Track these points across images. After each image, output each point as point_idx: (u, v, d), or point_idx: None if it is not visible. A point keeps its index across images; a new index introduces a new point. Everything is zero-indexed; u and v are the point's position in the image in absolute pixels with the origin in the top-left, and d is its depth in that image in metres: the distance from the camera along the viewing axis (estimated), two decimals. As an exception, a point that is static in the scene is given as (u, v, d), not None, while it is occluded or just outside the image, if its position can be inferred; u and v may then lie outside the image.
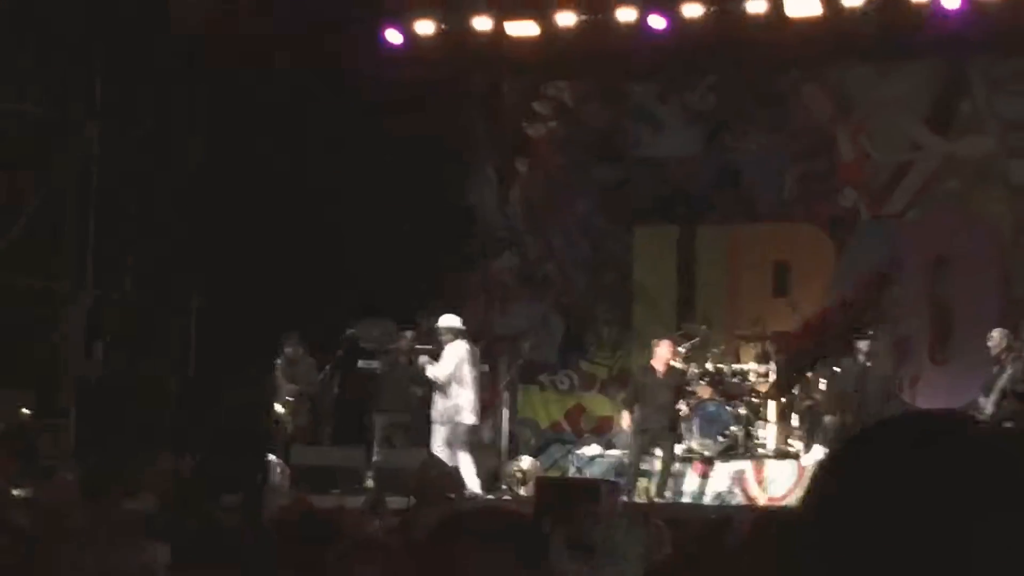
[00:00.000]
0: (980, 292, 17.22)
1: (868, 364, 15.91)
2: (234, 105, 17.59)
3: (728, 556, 4.58)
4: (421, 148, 18.06)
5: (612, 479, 15.43)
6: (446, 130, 18.58)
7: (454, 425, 15.88)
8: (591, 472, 16.52)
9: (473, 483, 15.47)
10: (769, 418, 16.35)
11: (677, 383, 15.80)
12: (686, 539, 7.21)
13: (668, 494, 15.66)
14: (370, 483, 15.45)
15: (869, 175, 18.17)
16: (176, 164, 17.96)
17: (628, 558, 4.17)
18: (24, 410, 16.07)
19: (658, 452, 15.80)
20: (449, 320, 16.13)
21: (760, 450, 16.21)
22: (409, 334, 16.70)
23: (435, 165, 18.54)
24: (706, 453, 16.12)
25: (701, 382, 16.51)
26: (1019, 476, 1.29)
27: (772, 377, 16.46)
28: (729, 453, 16.12)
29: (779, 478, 15.66)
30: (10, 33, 16.62)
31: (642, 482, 15.88)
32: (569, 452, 17.71)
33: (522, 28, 18.18)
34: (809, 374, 16.84)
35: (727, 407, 16.20)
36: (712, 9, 17.38)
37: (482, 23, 18.16)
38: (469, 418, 16.01)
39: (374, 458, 16.22)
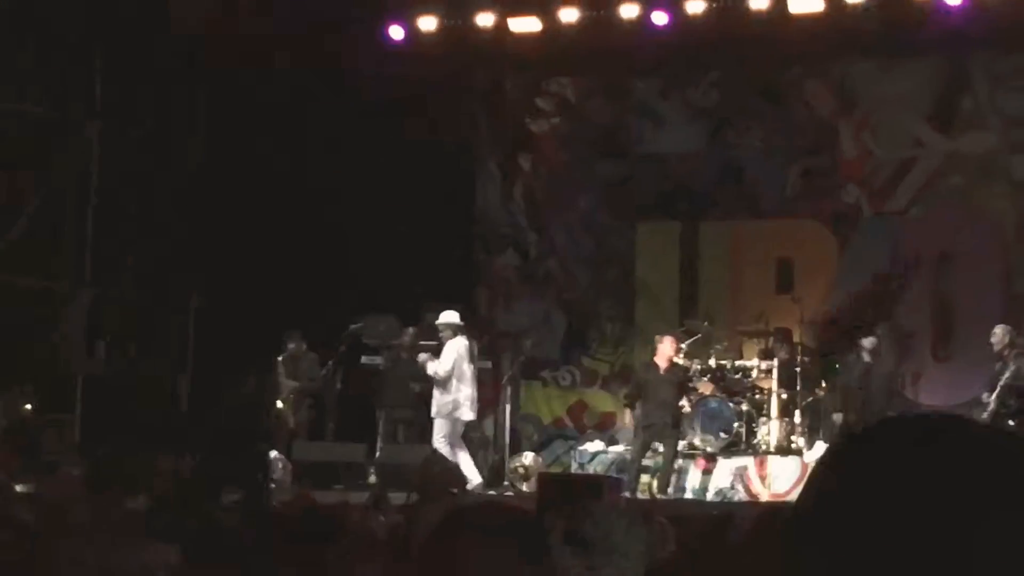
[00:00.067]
0: (983, 288, 17.22)
1: (870, 361, 15.91)
2: (234, 105, 17.59)
3: (731, 552, 4.59)
4: (423, 145, 18.06)
5: (614, 475, 15.45)
6: (449, 127, 18.59)
7: (453, 421, 15.91)
8: (593, 468, 16.52)
9: (474, 476, 15.50)
10: (772, 414, 16.35)
11: (679, 379, 15.80)
12: (689, 536, 7.22)
13: (670, 491, 15.66)
14: (373, 479, 15.47)
15: (871, 172, 18.17)
16: (176, 164, 17.97)
17: (628, 556, 4.17)
18: (27, 406, 16.09)
19: (660, 448, 15.80)
20: (449, 316, 16.15)
21: (763, 446, 16.21)
22: (411, 330, 16.72)
23: (438, 162, 18.54)
24: (708, 449, 16.12)
25: (703, 378, 16.51)
26: (1020, 476, 1.30)
27: (775, 373, 16.46)
28: (732, 449, 16.12)
29: (782, 474, 15.66)
30: (10, 33, 16.62)
31: (644, 479, 15.88)
32: (571, 448, 17.72)
33: (525, 24, 18.18)
34: (812, 370, 16.86)
35: (729, 403, 16.20)
36: (714, 5, 17.38)
37: (485, 19, 18.16)
38: (467, 414, 16.05)
39: (377, 454, 16.24)
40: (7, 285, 16.62)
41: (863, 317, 17.02)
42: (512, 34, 18.27)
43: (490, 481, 16.92)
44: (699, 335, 16.79)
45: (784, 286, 17.74)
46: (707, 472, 16.04)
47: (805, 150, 18.41)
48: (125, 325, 17.79)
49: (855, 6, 16.98)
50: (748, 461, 15.94)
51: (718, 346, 16.84)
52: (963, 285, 17.38)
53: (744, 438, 16.19)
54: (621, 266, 19.12)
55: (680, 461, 15.99)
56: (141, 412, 16.63)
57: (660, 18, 17.59)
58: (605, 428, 18.21)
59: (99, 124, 17.50)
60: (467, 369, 16.05)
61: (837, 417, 15.93)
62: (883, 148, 18.11)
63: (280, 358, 17.29)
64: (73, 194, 17.39)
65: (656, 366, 15.82)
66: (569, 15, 17.79)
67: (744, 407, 16.28)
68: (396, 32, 18.47)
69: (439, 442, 15.78)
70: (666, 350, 15.84)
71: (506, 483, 16.77)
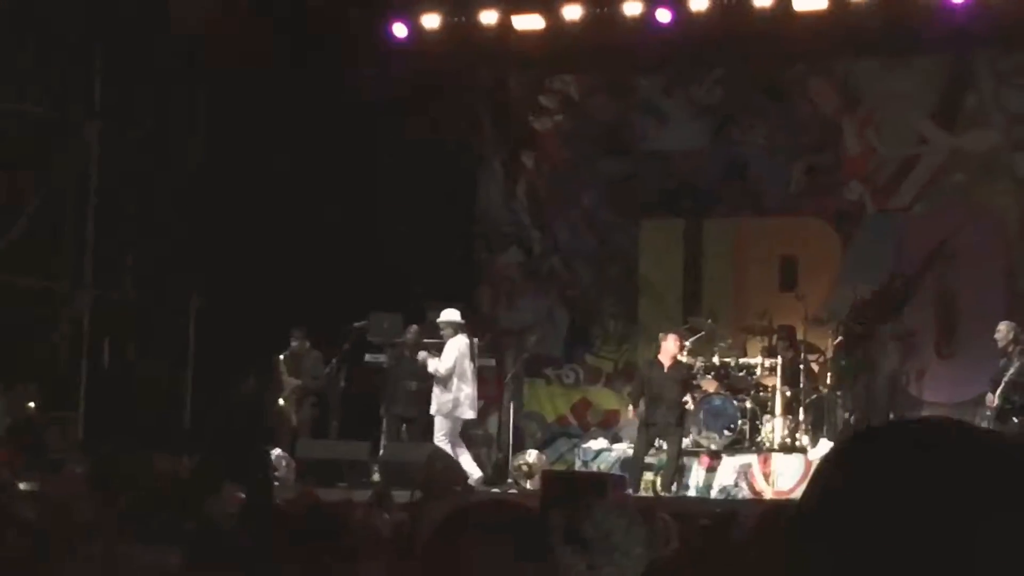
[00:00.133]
0: (986, 285, 17.22)
1: (873, 358, 15.90)
2: (234, 105, 17.58)
3: (734, 550, 4.59)
4: (426, 143, 18.07)
5: (618, 473, 15.45)
6: (452, 125, 18.59)
7: (453, 420, 15.93)
8: (597, 466, 16.53)
9: (475, 471, 15.53)
10: (775, 412, 16.35)
11: (683, 377, 15.80)
12: (692, 533, 7.22)
13: (674, 488, 15.66)
14: (377, 477, 15.48)
15: (875, 169, 18.16)
16: (176, 164, 17.97)
17: (629, 555, 4.16)
18: (30, 404, 16.10)
19: (664, 446, 15.80)
20: (449, 315, 16.16)
21: (766, 444, 16.20)
22: (414, 328, 16.72)
23: (441, 160, 18.54)
24: (712, 447, 16.11)
25: (707, 376, 16.51)
26: (1022, 479, 1.30)
27: (779, 371, 16.46)
28: (735, 447, 16.12)
29: (786, 472, 15.65)
30: (10, 33, 16.62)
31: (648, 476, 15.88)
32: (575, 446, 17.73)
33: (528, 21, 18.18)
34: (816, 367, 16.86)
35: (733, 401, 16.20)
36: (718, 2, 17.37)
37: (488, 17, 18.15)
38: (468, 413, 16.07)
39: (381, 452, 16.24)
40: (7, 285, 16.62)
41: (864, 315, 16.99)
42: (515, 32, 18.26)
43: (493, 479, 16.93)
44: (703, 332, 16.78)
45: (788, 284, 17.73)
46: (711, 470, 16.04)
47: (809, 147, 18.40)
48: (126, 325, 17.80)
49: (859, 3, 16.97)
50: (752, 458, 15.94)
51: (722, 344, 16.83)
52: (966, 282, 17.38)
53: (748, 435, 16.19)
54: (624, 263, 19.12)
55: (684, 459, 15.99)
56: (144, 411, 16.64)
57: (664, 15, 17.58)
58: (609, 426, 18.21)
59: (99, 124, 17.50)
60: (468, 367, 16.06)
61: (835, 414, 15.95)
62: (887, 145, 18.10)
63: (282, 356, 17.30)
64: (73, 194, 17.39)
65: (660, 364, 15.82)
66: (572, 12, 17.79)
67: (748, 404, 16.28)
68: (399, 30, 18.47)
69: (441, 440, 15.80)
70: (670, 348, 15.83)
71: (510, 481, 16.78)
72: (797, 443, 16.20)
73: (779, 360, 16.47)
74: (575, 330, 19.19)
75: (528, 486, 16.27)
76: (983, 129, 17.65)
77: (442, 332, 16.13)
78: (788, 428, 16.31)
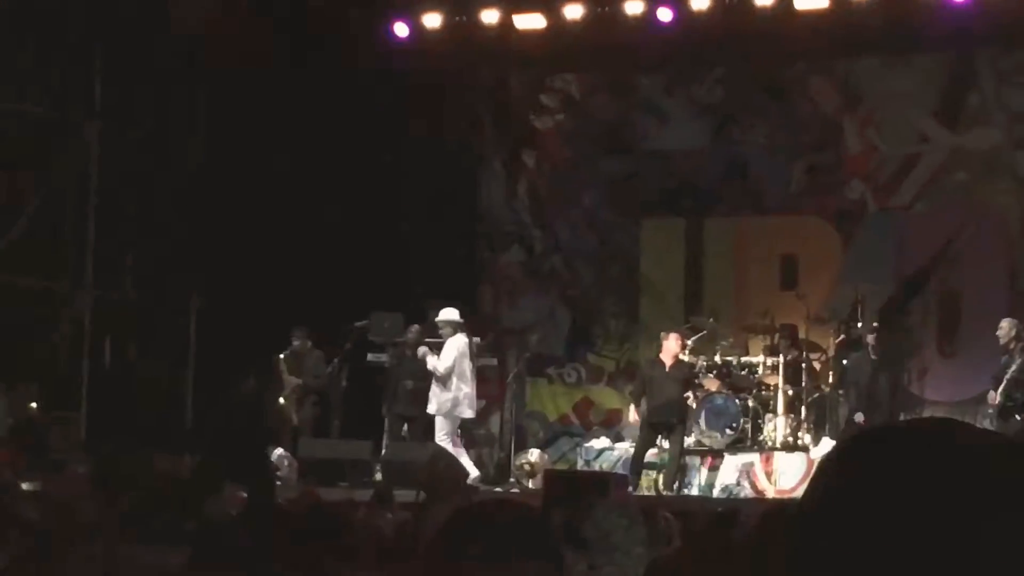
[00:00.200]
0: (988, 284, 17.22)
1: (876, 357, 15.90)
2: (234, 105, 17.58)
3: (736, 549, 4.59)
4: (427, 142, 18.07)
5: (620, 472, 15.45)
6: (453, 124, 18.60)
7: (452, 418, 15.95)
8: (599, 465, 16.53)
9: (472, 471, 15.54)
10: (778, 410, 16.35)
11: (685, 376, 15.80)
12: (694, 532, 7.22)
13: (676, 487, 15.66)
14: (379, 476, 15.49)
15: (876, 168, 18.16)
16: (176, 164, 17.96)
17: (629, 555, 4.17)
18: (32, 405, 16.10)
19: (667, 445, 15.80)
20: (448, 314, 16.16)
21: (768, 443, 16.21)
22: (415, 328, 16.72)
23: (442, 159, 18.54)
24: (714, 446, 16.12)
25: (709, 375, 16.51)
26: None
27: (780, 369, 16.46)
28: (737, 446, 16.12)
29: (788, 471, 15.66)
30: (10, 33, 16.62)
31: (650, 475, 15.89)
32: (577, 445, 17.73)
33: (529, 21, 18.18)
34: (818, 366, 16.86)
35: (735, 400, 16.20)
36: (719, 1, 17.36)
37: (489, 16, 18.15)
38: (467, 412, 16.08)
39: (383, 451, 16.25)
40: (8, 285, 16.63)
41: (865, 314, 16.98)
42: (517, 31, 18.26)
43: (496, 478, 16.94)
44: (704, 332, 16.79)
45: (789, 282, 17.73)
46: (713, 468, 16.04)
47: (810, 146, 18.40)
48: (127, 325, 17.80)
49: (860, 2, 16.97)
50: (754, 457, 15.94)
51: (724, 343, 16.84)
52: (968, 281, 17.38)
53: (750, 434, 16.19)
54: (626, 263, 19.12)
55: (686, 458, 16.00)
56: (145, 411, 16.65)
57: (665, 14, 17.58)
58: (611, 425, 18.22)
59: (99, 124, 17.50)
60: (467, 366, 16.07)
61: (838, 412, 15.95)
62: (888, 144, 18.10)
63: (282, 355, 17.31)
64: (73, 194, 17.39)
65: (661, 363, 15.82)
66: (574, 12, 17.79)
67: (750, 403, 16.28)
68: (401, 29, 18.47)
69: (443, 440, 15.80)
70: (671, 347, 15.83)
71: (512, 480, 16.78)
72: (799, 442, 16.21)
73: (781, 359, 16.47)
74: (577, 329, 19.20)
75: (530, 485, 16.28)
76: (984, 128, 17.65)
77: (441, 331, 16.14)
78: (790, 427, 16.32)
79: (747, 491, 15.73)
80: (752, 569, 3.81)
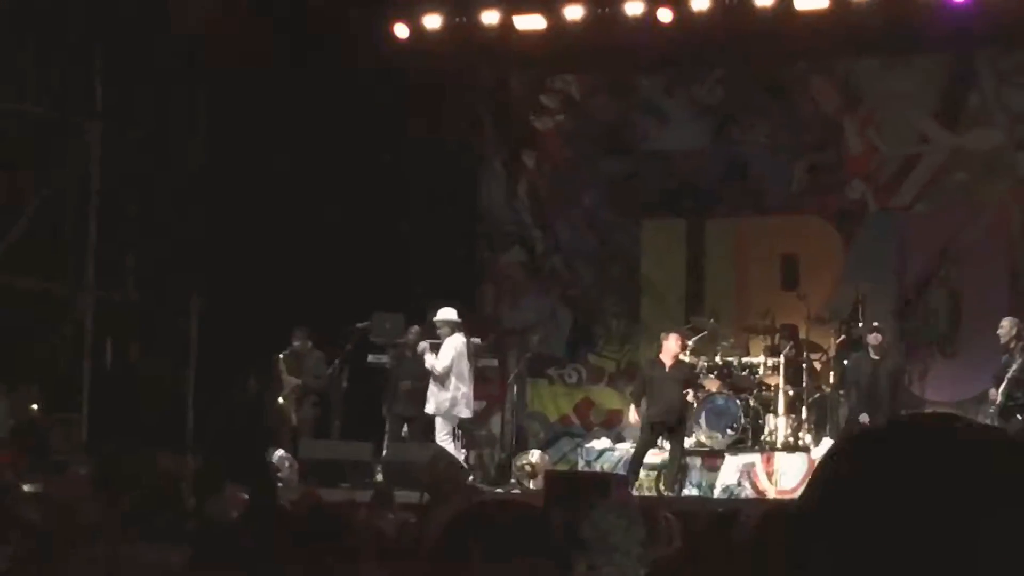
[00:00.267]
0: (989, 285, 17.22)
1: (876, 357, 15.90)
2: (234, 105, 17.58)
3: (736, 549, 4.59)
4: (428, 143, 18.07)
5: (622, 473, 15.45)
6: (453, 125, 18.60)
7: (451, 418, 15.96)
8: (600, 466, 16.53)
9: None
10: (778, 411, 16.35)
11: (685, 376, 15.79)
12: (695, 532, 7.22)
13: (677, 487, 15.66)
14: (380, 477, 15.49)
15: (877, 168, 18.16)
16: (177, 164, 17.96)
17: (629, 555, 4.17)
18: (33, 406, 16.11)
19: (667, 446, 15.80)
20: (447, 313, 16.17)
21: (769, 443, 16.21)
22: (415, 328, 16.73)
23: (442, 160, 18.55)
24: (715, 446, 16.12)
25: (710, 375, 16.51)
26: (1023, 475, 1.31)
27: (781, 370, 16.46)
28: (738, 446, 16.12)
29: (789, 471, 15.65)
30: (10, 33, 16.61)
31: (651, 475, 15.88)
32: (578, 446, 17.73)
33: (529, 22, 18.18)
34: (819, 366, 16.86)
35: (736, 400, 16.20)
36: (719, 2, 17.36)
37: (489, 17, 18.15)
38: (464, 412, 16.09)
39: (384, 452, 16.25)
40: (9, 286, 16.64)
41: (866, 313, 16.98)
42: (517, 32, 18.26)
43: (496, 479, 16.93)
44: (705, 332, 16.79)
45: (789, 283, 17.73)
46: (714, 469, 16.04)
47: (810, 146, 18.41)
48: (128, 326, 17.80)
49: (860, 2, 16.97)
50: (755, 458, 15.94)
51: (724, 343, 16.84)
52: (969, 281, 17.38)
53: (751, 435, 16.19)
54: (626, 263, 19.13)
55: (687, 458, 15.99)
56: (146, 412, 16.65)
57: (665, 15, 17.57)
58: (612, 425, 18.21)
59: (99, 124, 17.50)
60: (465, 366, 16.08)
61: (839, 412, 15.95)
62: (888, 144, 18.10)
63: (282, 355, 17.31)
64: (74, 195, 17.38)
65: (661, 363, 15.82)
66: (574, 12, 17.78)
67: (751, 404, 16.28)
68: (400, 30, 18.47)
69: (443, 440, 15.82)
70: (671, 347, 15.83)
71: (512, 481, 16.78)
72: (800, 442, 16.20)
73: (782, 359, 16.47)
74: (577, 330, 19.20)
75: (531, 486, 16.27)
76: (985, 128, 17.65)
77: (439, 331, 16.15)
78: (791, 427, 16.32)
79: (748, 491, 15.72)
80: (752, 570, 3.82)
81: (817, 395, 16.54)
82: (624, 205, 19.06)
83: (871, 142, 18.17)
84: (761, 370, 16.63)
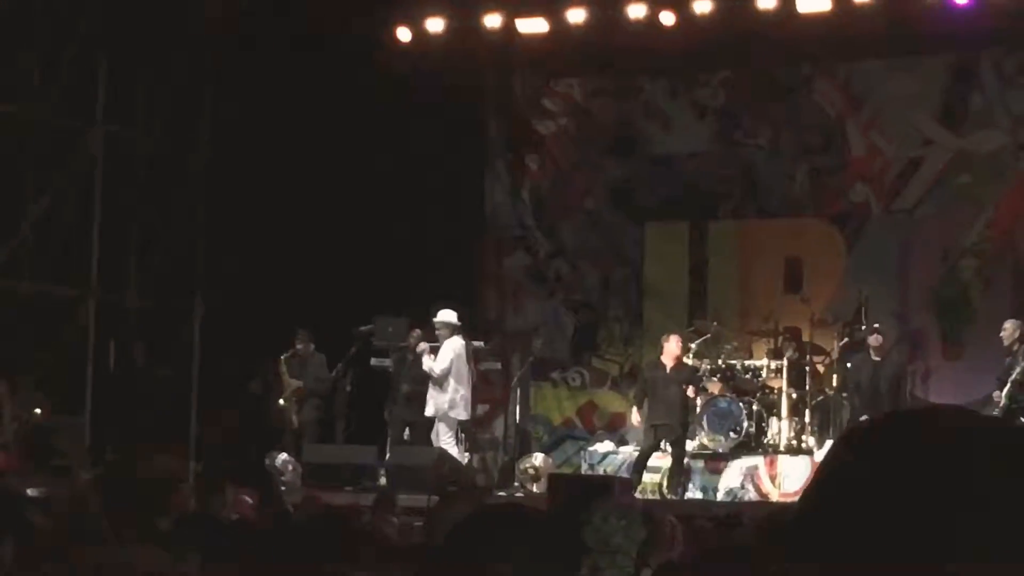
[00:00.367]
0: (992, 286, 17.22)
1: (877, 359, 15.90)
2: (239, 108, 17.58)
3: (740, 552, 4.59)
4: (431, 146, 18.07)
5: (626, 476, 15.46)
6: (456, 128, 18.60)
7: (448, 420, 15.98)
8: (603, 469, 16.52)
9: None
10: (782, 414, 16.34)
11: (686, 378, 15.79)
12: (698, 536, 7.23)
13: (680, 490, 15.66)
14: (383, 481, 15.50)
15: (880, 170, 18.15)
16: (180, 169, 17.97)
17: (629, 558, 4.18)
18: (37, 411, 16.11)
19: (668, 448, 15.80)
20: (446, 316, 16.18)
21: (773, 446, 16.20)
22: (417, 332, 16.73)
23: (445, 163, 18.55)
24: (718, 449, 16.11)
25: (713, 378, 16.51)
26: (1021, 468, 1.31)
27: (784, 373, 16.46)
28: (741, 449, 16.12)
29: (792, 474, 15.64)
30: (15, 39, 16.62)
31: (654, 478, 15.88)
32: (581, 449, 17.72)
33: (532, 25, 18.18)
34: (822, 369, 16.85)
35: (739, 403, 16.19)
36: (722, 5, 17.36)
37: (492, 20, 18.16)
38: (462, 414, 16.10)
39: (387, 455, 16.26)
40: (13, 290, 16.65)
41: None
42: (519, 35, 18.27)
43: (500, 482, 16.93)
44: (708, 335, 16.78)
45: (793, 286, 17.73)
46: (717, 472, 16.03)
47: (813, 149, 18.40)
48: (131, 329, 17.81)
49: (863, 5, 16.97)
50: (758, 460, 15.93)
51: (727, 346, 16.84)
52: (971, 282, 17.39)
53: (754, 437, 16.18)
54: (629, 266, 19.13)
55: (690, 461, 15.99)
56: (150, 415, 16.66)
57: (667, 18, 17.57)
58: (615, 429, 18.21)
59: (103, 129, 17.52)
60: (464, 369, 16.09)
61: (842, 415, 15.97)
62: (891, 146, 18.09)
63: (283, 357, 17.32)
64: (78, 199, 17.39)
65: (663, 365, 15.82)
66: (576, 15, 17.79)
67: (754, 406, 16.27)
68: (403, 34, 18.47)
69: (446, 442, 15.83)
70: (672, 349, 15.84)
71: (516, 484, 16.78)
72: (803, 445, 16.20)
73: (785, 362, 16.47)
74: (581, 333, 19.20)
75: (535, 489, 16.27)
76: (988, 130, 17.63)
77: (437, 332, 16.17)
78: (794, 430, 16.31)
79: (751, 494, 15.72)
80: (756, 572, 3.82)
81: (820, 398, 16.53)
82: (627, 208, 19.06)
83: (874, 144, 18.16)
84: (764, 373, 16.62)
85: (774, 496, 15.53)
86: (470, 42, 18.32)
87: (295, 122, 17.51)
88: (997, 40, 17.23)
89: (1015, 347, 15.03)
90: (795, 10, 17.10)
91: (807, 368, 16.51)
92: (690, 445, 16.00)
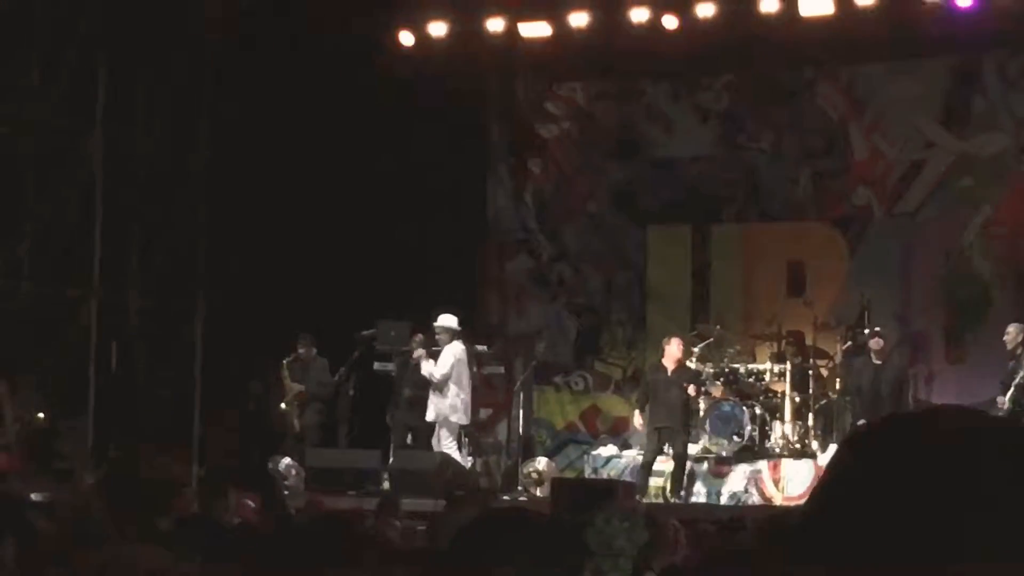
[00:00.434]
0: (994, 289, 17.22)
1: (878, 362, 15.88)
2: (240, 110, 17.58)
3: (743, 555, 4.59)
4: (434, 150, 18.07)
5: (629, 480, 15.46)
6: (459, 132, 18.61)
7: (449, 425, 15.98)
8: (607, 473, 16.52)
9: None
10: (785, 417, 16.33)
11: (688, 381, 15.79)
12: (701, 539, 7.22)
13: (683, 494, 15.65)
14: (386, 485, 15.50)
15: (882, 173, 18.14)
16: (181, 170, 17.97)
17: (631, 561, 4.18)
18: (39, 415, 16.12)
19: (670, 451, 15.79)
20: (446, 320, 16.19)
21: (776, 450, 16.19)
22: (419, 336, 16.73)
23: (448, 167, 18.55)
24: (722, 453, 16.11)
25: (716, 382, 16.50)
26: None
27: (788, 376, 16.44)
28: (745, 453, 16.11)
29: (796, 477, 15.64)
30: (15, 41, 16.63)
31: (657, 482, 15.87)
32: (585, 453, 17.71)
33: (535, 29, 18.18)
34: (825, 373, 16.84)
35: (743, 406, 16.18)
36: (725, 8, 17.36)
37: (495, 24, 18.16)
38: (462, 419, 16.10)
39: (390, 460, 16.26)
40: (14, 292, 16.65)
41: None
42: (522, 39, 18.27)
43: (504, 486, 16.93)
44: (711, 339, 16.78)
45: (796, 289, 17.72)
46: (721, 476, 16.03)
47: (816, 152, 18.40)
48: (133, 331, 17.81)
49: (865, 8, 16.97)
50: (762, 464, 15.93)
51: (730, 349, 16.83)
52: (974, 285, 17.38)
53: (757, 441, 16.18)
54: (632, 270, 19.12)
55: (694, 465, 15.99)
56: (152, 417, 16.66)
57: (670, 22, 17.57)
58: (618, 432, 18.20)
59: (103, 131, 17.52)
60: (465, 374, 16.09)
61: (845, 418, 15.96)
62: (894, 149, 18.08)
63: (285, 361, 17.32)
64: (79, 201, 17.39)
65: (664, 368, 15.82)
66: (579, 19, 17.79)
67: (757, 410, 16.27)
68: (406, 38, 18.47)
69: (448, 447, 15.83)
70: (674, 351, 15.84)
71: (519, 488, 16.78)
72: (807, 449, 16.18)
73: (788, 365, 16.46)
74: (584, 337, 19.20)
75: (538, 493, 16.28)
76: (991, 133, 17.62)
77: (438, 337, 16.17)
78: (798, 433, 16.30)
79: (755, 498, 15.71)
80: (756, 575, 3.81)
81: (823, 401, 16.52)
82: (630, 212, 19.07)
83: (877, 148, 18.16)
84: (767, 376, 16.61)
85: (778, 500, 15.52)
86: (473, 46, 18.32)
87: (295, 123, 17.51)
88: (1000, 43, 17.23)
89: (1018, 350, 15.02)
90: (797, 14, 17.10)
91: (810, 372, 16.50)
92: (693, 449, 15.99)
